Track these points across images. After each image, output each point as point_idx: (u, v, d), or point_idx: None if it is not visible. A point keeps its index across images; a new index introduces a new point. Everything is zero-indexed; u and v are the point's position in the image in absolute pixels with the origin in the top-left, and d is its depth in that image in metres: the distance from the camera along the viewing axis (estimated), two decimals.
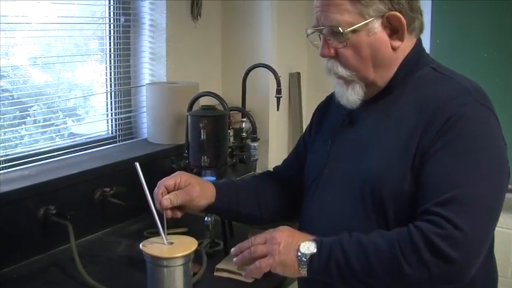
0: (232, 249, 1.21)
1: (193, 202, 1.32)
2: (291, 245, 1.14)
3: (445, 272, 1.03)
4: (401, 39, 1.19)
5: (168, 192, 1.29)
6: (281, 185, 1.47)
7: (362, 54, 1.19)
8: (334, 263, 1.10)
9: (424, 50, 1.27)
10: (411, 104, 1.18)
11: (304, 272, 1.13)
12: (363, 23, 1.16)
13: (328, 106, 1.42)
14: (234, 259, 1.19)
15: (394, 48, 1.20)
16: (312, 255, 1.12)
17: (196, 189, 1.32)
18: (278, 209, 1.46)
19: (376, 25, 1.17)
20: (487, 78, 2.22)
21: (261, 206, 1.43)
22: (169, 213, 1.28)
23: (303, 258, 1.12)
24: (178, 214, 1.32)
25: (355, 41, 1.17)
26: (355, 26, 1.16)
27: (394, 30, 1.18)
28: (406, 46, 1.21)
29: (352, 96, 1.23)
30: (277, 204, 1.45)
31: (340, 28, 1.16)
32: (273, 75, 2.28)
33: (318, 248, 1.12)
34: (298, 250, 1.13)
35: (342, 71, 1.21)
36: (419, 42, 1.25)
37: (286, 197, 1.46)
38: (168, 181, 1.30)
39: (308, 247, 1.13)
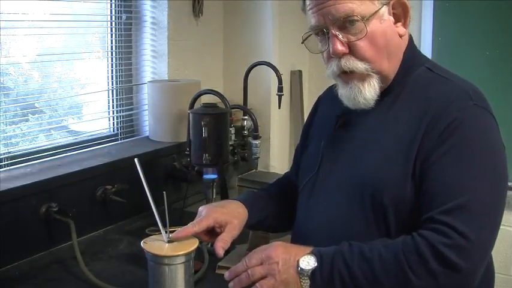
0: (226, 274, 1.17)
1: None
2: (290, 261, 1.10)
3: (453, 281, 1.02)
4: (405, 25, 1.18)
5: (208, 234, 1.29)
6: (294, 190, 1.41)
7: (377, 43, 1.15)
8: (338, 277, 1.07)
9: (415, 46, 1.26)
10: (410, 106, 1.16)
11: (307, 287, 1.10)
12: (376, 10, 1.13)
13: (317, 106, 1.42)
14: (231, 284, 1.15)
15: (400, 36, 1.19)
16: (314, 271, 1.09)
17: (234, 224, 1.28)
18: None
19: (386, 12, 1.15)
20: (488, 77, 2.23)
21: (290, 215, 1.38)
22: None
23: (305, 274, 1.09)
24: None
25: (371, 30, 1.13)
26: (371, 13, 1.13)
27: (397, 18, 1.18)
28: (405, 37, 1.21)
29: (371, 92, 1.17)
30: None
31: (356, 16, 1.12)
32: (274, 73, 2.28)
33: (319, 262, 1.09)
34: (298, 266, 1.10)
35: (359, 65, 1.15)
36: (411, 38, 1.24)
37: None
38: (202, 227, 1.26)
39: (308, 262, 1.10)
